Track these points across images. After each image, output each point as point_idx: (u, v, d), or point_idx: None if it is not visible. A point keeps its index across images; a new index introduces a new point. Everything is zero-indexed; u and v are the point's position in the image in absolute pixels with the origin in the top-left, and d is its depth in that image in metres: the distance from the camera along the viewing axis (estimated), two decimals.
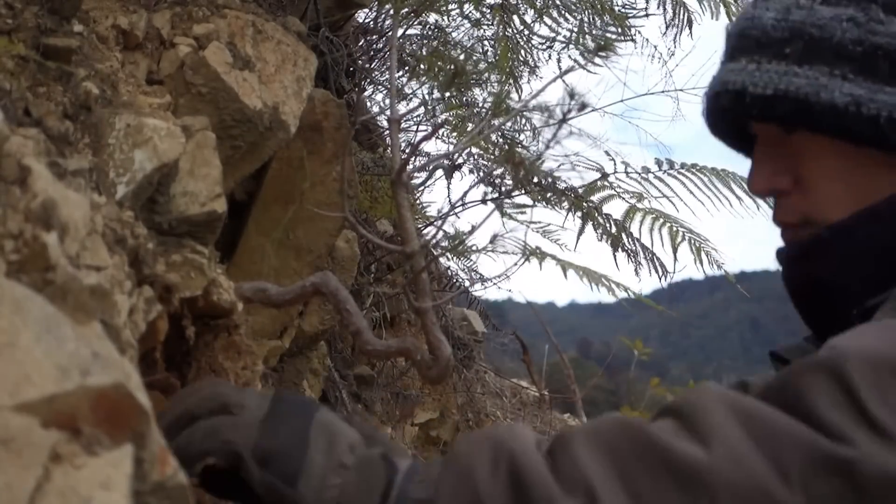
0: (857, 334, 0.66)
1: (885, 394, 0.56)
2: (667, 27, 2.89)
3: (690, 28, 2.88)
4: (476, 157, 2.61)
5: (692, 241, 2.96)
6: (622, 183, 2.84)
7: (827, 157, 0.85)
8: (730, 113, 0.91)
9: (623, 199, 2.91)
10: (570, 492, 0.59)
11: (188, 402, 0.78)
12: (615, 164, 2.78)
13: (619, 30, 2.62)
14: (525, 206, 2.74)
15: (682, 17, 2.86)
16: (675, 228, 2.94)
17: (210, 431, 0.73)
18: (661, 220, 2.96)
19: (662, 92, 3.07)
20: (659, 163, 2.83)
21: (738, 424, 0.58)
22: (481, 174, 2.42)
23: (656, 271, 2.91)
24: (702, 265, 2.94)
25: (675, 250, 2.92)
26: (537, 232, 3.10)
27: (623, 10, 2.67)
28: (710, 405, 0.60)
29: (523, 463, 0.61)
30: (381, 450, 0.73)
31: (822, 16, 0.83)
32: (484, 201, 0.92)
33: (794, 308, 0.91)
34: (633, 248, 2.86)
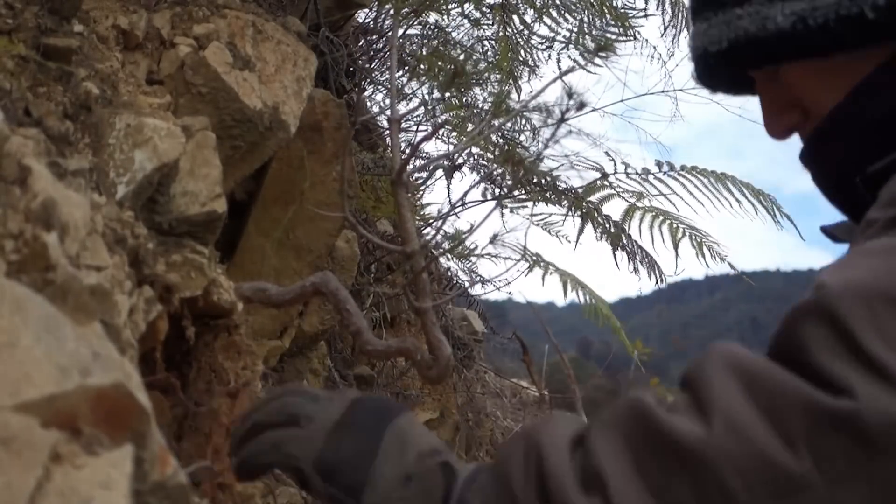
0: (844, 266, 0.64)
1: (880, 328, 0.55)
2: (665, 28, 2.89)
3: (689, 29, 2.88)
4: (476, 157, 2.62)
5: (693, 237, 2.96)
6: (622, 183, 2.84)
7: (813, 82, 0.85)
8: (707, 76, 0.92)
9: (623, 198, 2.91)
10: (587, 490, 0.59)
11: (259, 413, 0.78)
12: (615, 164, 2.78)
13: (619, 29, 2.62)
14: (525, 200, 2.73)
15: (680, 18, 2.87)
16: (675, 225, 2.94)
17: (275, 444, 0.74)
18: (661, 218, 2.96)
19: (662, 92, 3.07)
20: (659, 164, 2.83)
21: (740, 392, 0.57)
22: (481, 174, 2.42)
23: (654, 274, 2.91)
24: (704, 259, 2.94)
25: (676, 246, 2.92)
26: (538, 225, 3.09)
27: (623, 11, 2.67)
28: (713, 374, 0.60)
29: (549, 466, 0.62)
30: (445, 457, 0.73)
31: None
32: (483, 200, 0.92)
33: (831, 204, 0.91)
34: (632, 248, 2.86)
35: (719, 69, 0.90)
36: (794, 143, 0.95)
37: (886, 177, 0.75)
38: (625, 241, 2.84)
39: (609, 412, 0.65)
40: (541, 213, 2.94)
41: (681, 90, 3.09)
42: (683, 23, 2.90)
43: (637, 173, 2.79)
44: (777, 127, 0.91)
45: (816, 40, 0.78)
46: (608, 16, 2.60)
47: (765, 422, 0.55)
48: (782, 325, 0.62)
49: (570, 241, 2.97)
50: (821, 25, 0.77)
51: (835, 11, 0.76)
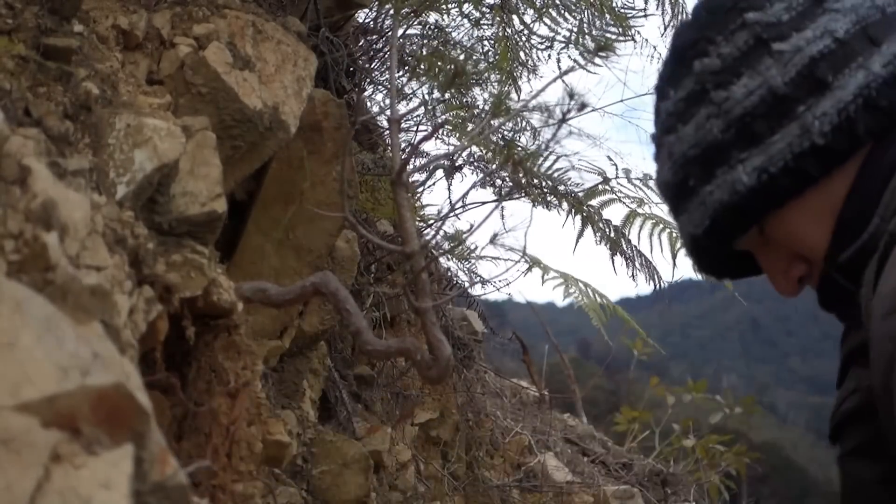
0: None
1: None
2: (665, 28, 2.89)
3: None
4: (476, 158, 2.61)
5: None
6: (623, 188, 2.84)
7: (801, 222, 0.87)
8: (706, 263, 0.97)
9: (623, 203, 2.91)
10: None
11: None
12: (616, 168, 2.79)
13: (619, 29, 2.62)
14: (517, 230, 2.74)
15: (680, 18, 2.87)
16: (674, 234, 2.95)
17: None
18: (662, 226, 2.96)
19: None
20: None
21: None
22: (481, 175, 2.42)
23: (652, 279, 2.91)
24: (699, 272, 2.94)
25: (674, 256, 2.92)
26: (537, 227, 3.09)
27: (622, 11, 2.67)
28: None
29: None
30: None
31: (688, 133, 0.88)
32: (484, 202, 0.92)
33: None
34: (631, 254, 2.86)
35: (713, 250, 0.93)
36: None
37: (862, 263, 0.79)
38: (624, 247, 2.84)
39: None
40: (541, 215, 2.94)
41: None
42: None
43: (638, 178, 2.80)
44: (787, 285, 0.93)
45: (784, 184, 0.82)
46: (608, 16, 2.60)
47: None
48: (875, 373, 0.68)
49: (568, 245, 2.98)
50: (782, 169, 0.81)
51: (790, 152, 0.80)
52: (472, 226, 0.95)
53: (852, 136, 0.80)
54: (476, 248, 3.15)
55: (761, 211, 0.85)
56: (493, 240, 1.01)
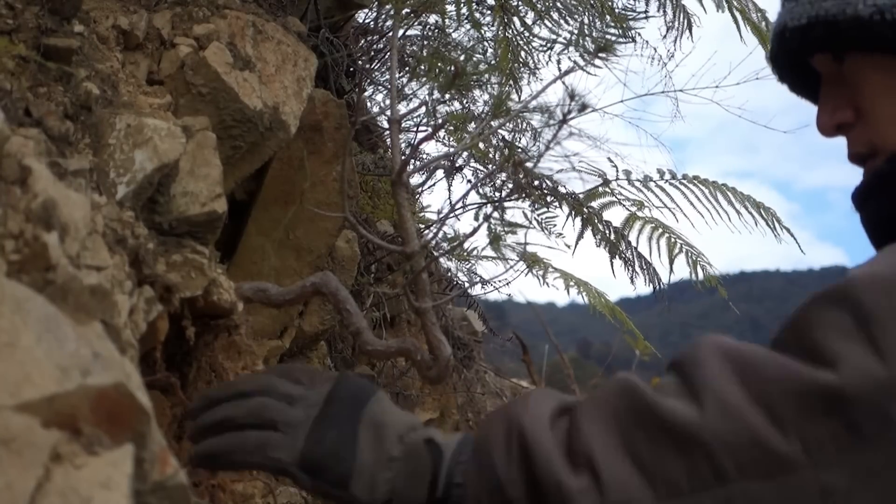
0: (871, 262, 0.65)
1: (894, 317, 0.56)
2: (667, 30, 2.89)
3: (690, 31, 2.88)
4: (476, 159, 2.61)
5: (689, 254, 2.97)
6: (623, 190, 2.84)
7: (876, 79, 0.86)
8: (782, 54, 0.93)
9: (623, 206, 2.91)
10: (576, 467, 0.60)
11: (232, 408, 0.78)
12: (617, 170, 2.79)
13: (619, 31, 2.62)
14: (519, 225, 2.74)
15: (681, 20, 2.87)
16: (672, 240, 2.95)
17: (259, 446, 0.75)
18: (661, 231, 2.96)
19: (662, 93, 3.07)
20: (661, 172, 2.84)
21: (732, 376, 0.58)
22: (481, 175, 2.42)
23: (651, 281, 2.91)
24: (697, 278, 2.95)
25: (671, 262, 2.92)
26: (538, 227, 3.10)
27: (623, 12, 2.67)
28: (705, 358, 0.60)
29: (534, 447, 0.62)
30: (427, 434, 0.74)
31: None
32: (484, 203, 0.92)
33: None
34: (630, 257, 2.86)
35: (793, 48, 0.90)
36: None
37: None
38: (623, 249, 2.84)
39: (597, 392, 0.66)
40: (543, 214, 2.94)
41: (681, 90, 3.09)
42: (684, 25, 2.90)
43: (638, 180, 2.80)
44: (828, 122, 0.91)
45: (887, 34, 0.80)
46: (608, 17, 2.60)
47: (756, 405, 0.56)
48: (799, 308, 0.63)
49: (568, 246, 2.98)
50: (893, 20, 0.78)
51: None
52: (474, 228, 0.95)
53: None
54: (476, 248, 3.16)
55: (851, 41, 0.83)
56: (493, 241, 1.01)
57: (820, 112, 0.92)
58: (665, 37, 2.86)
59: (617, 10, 2.62)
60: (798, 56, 0.92)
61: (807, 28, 0.86)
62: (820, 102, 0.93)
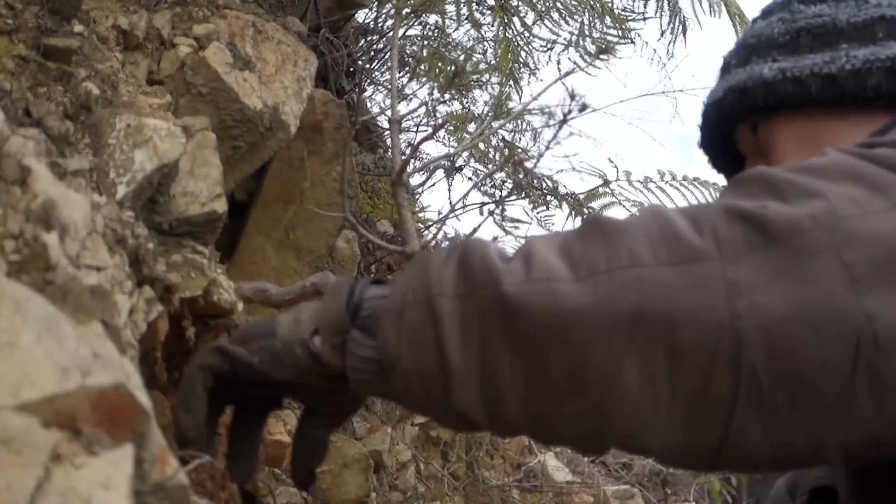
0: None
1: (804, 173, 0.61)
2: (661, 33, 2.90)
3: (685, 34, 2.90)
4: (476, 159, 2.61)
5: None
6: (623, 190, 2.85)
7: (785, 137, 0.93)
8: (705, 132, 1.02)
9: (623, 206, 2.92)
10: (509, 260, 0.63)
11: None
12: (617, 170, 2.79)
13: (619, 32, 2.62)
14: (520, 222, 2.75)
15: (677, 24, 2.88)
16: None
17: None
18: None
19: (662, 93, 3.08)
20: (661, 173, 2.85)
21: (673, 208, 0.63)
22: (481, 177, 2.42)
23: None
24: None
25: None
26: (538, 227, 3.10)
27: (622, 14, 2.68)
28: (642, 212, 0.65)
29: (471, 248, 0.65)
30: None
31: (758, 27, 0.98)
32: (483, 203, 0.93)
33: None
34: None
35: (713, 120, 0.98)
36: None
37: None
38: None
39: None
40: (543, 215, 2.94)
41: (681, 91, 3.10)
42: (679, 29, 2.92)
43: (639, 181, 2.80)
44: None
45: (789, 88, 0.89)
46: (608, 18, 2.61)
47: (684, 216, 0.60)
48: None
49: None
50: (796, 77, 0.88)
51: (809, 69, 0.88)
52: (474, 229, 0.96)
53: (859, 83, 0.85)
54: None
55: (760, 105, 0.91)
56: (494, 240, 1.01)
57: None
58: (661, 38, 2.87)
59: (617, 12, 2.62)
60: (720, 132, 1.00)
61: (722, 99, 0.95)
62: None
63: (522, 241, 0.70)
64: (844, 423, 0.54)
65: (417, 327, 0.64)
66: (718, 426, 0.55)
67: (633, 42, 2.73)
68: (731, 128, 0.98)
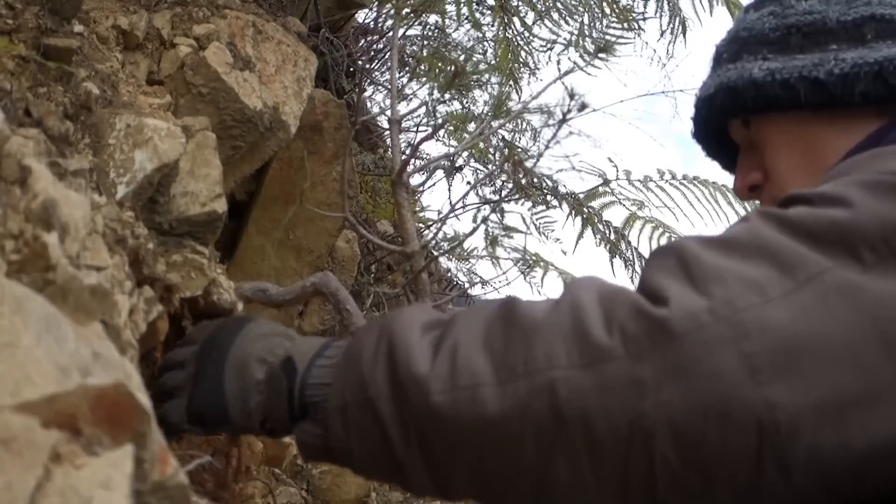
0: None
1: (711, 254, 0.62)
2: (661, 33, 2.91)
3: (685, 34, 2.91)
4: (476, 159, 2.61)
5: None
6: (623, 190, 2.85)
7: (774, 137, 0.93)
8: (698, 126, 1.02)
9: (624, 206, 2.92)
10: (436, 358, 0.66)
11: (155, 390, 0.86)
12: (617, 170, 2.79)
13: (623, 26, 2.62)
14: (515, 230, 2.75)
15: (677, 24, 2.88)
16: (673, 239, 2.94)
17: (160, 418, 0.82)
18: (661, 230, 2.97)
19: (662, 93, 3.08)
20: (661, 172, 2.85)
21: (593, 291, 0.65)
22: (481, 177, 2.42)
23: None
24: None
25: None
26: (538, 227, 3.10)
27: (626, 7, 2.67)
28: (577, 284, 0.67)
29: (397, 342, 0.69)
30: (287, 351, 0.81)
31: (750, 19, 0.97)
32: (484, 203, 0.92)
33: None
34: (631, 256, 2.86)
35: (704, 116, 0.99)
36: None
37: None
38: (623, 249, 2.84)
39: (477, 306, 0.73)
40: (541, 215, 2.94)
41: (681, 90, 3.10)
42: (678, 29, 2.92)
43: (638, 180, 2.80)
44: (740, 184, 1.00)
45: (778, 92, 0.89)
46: (611, 14, 2.61)
47: (600, 306, 0.62)
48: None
49: (564, 253, 2.99)
50: (785, 80, 0.88)
51: (798, 72, 0.88)
52: (473, 228, 0.95)
53: (847, 89, 0.86)
54: (475, 249, 3.16)
55: (750, 104, 0.91)
56: (493, 242, 1.01)
57: (735, 176, 1.01)
58: (659, 40, 2.87)
59: (618, 3, 2.62)
60: (712, 126, 1.00)
61: (713, 96, 0.94)
62: (736, 168, 1.01)
63: (451, 312, 0.73)
64: (759, 499, 0.57)
65: (363, 425, 0.70)
66: (647, 502, 0.59)
67: (638, 32, 2.73)
68: (724, 122, 0.99)
